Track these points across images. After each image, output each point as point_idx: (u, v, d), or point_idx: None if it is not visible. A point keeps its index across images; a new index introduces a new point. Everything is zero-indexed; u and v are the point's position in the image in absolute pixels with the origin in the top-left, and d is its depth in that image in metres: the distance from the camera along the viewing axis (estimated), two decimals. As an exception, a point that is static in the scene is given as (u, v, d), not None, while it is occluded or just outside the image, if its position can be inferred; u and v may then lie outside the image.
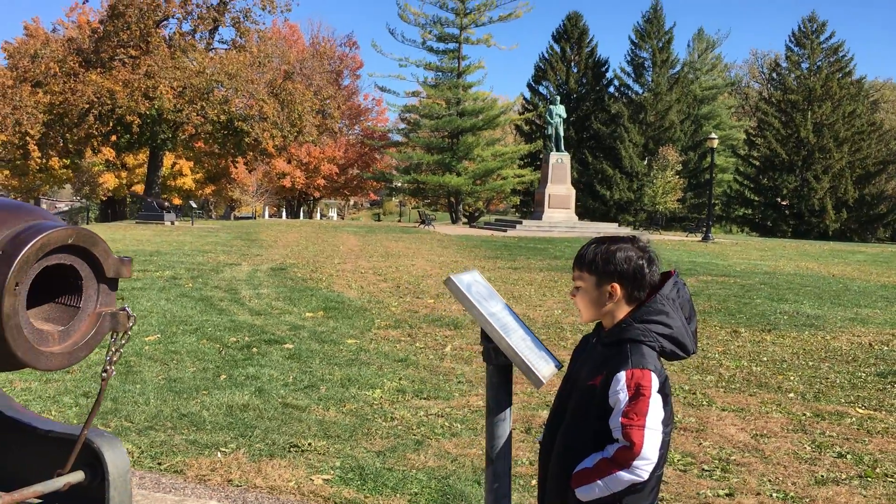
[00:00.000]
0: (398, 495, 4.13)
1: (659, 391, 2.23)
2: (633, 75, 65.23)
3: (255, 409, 5.65)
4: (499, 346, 2.29)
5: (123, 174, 53.94)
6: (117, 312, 3.03)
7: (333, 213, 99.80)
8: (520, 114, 67.01)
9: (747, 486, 4.42)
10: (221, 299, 10.96)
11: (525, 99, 69.77)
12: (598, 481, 2.23)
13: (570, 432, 2.34)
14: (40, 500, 3.34)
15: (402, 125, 65.12)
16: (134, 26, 36.68)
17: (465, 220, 60.29)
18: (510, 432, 2.43)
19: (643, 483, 2.22)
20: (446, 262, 19.08)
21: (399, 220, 73.13)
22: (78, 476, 3.23)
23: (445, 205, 64.51)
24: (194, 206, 36.02)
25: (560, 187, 38.93)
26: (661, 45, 63.54)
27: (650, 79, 63.93)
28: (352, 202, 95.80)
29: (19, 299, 2.68)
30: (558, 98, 43.38)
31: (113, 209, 59.66)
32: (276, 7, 41.48)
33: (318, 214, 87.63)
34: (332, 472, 4.44)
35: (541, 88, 67.24)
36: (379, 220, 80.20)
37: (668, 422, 2.29)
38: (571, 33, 65.37)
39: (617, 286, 2.34)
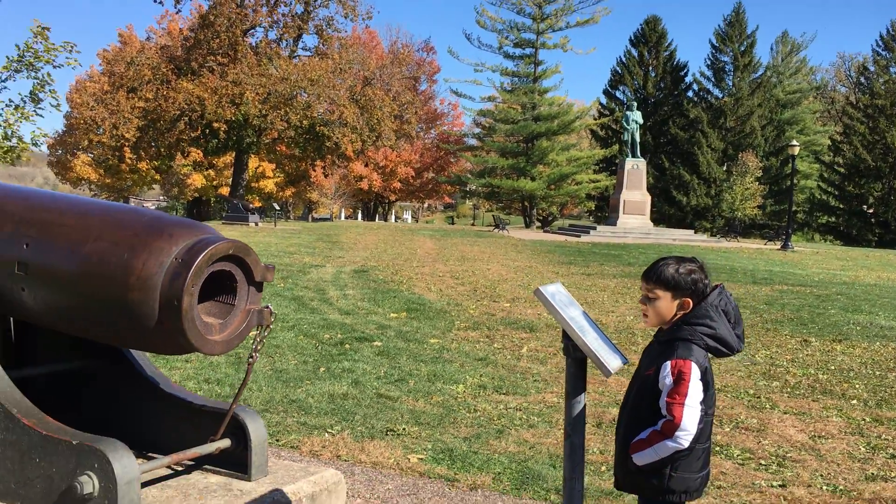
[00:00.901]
0: (483, 473, 4.73)
1: (700, 379, 2.79)
2: (713, 79, 64.43)
3: (353, 397, 6.35)
4: (576, 343, 2.88)
5: (211, 173, 56.06)
6: (262, 309, 3.72)
7: (408, 216, 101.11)
8: (595, 118, 66.91)
9: (800, 479, 4.87)
10: (312, 299, 11.77)
11: (601, 103, 69.60)
12: (649, 449, 2.80)
13: (632, 413, 2.92)
14: (192, 462, 4.06)
15: (478, 129, 65.87)
16: (223, 35, 38.34)
17: (538, 224, 60.56)
18: (584, 412, 3.01)
19: (686, 451, 2.77)
20: (521, 266, 19.61)
21: (473, 224, 73.89)
22: (226, 442, 3.94)
23: (519, 209, 64.89)
24: (277, 208, 37.39)
25: (635, 193, 38.95)
26: (742, 48, 62.59)
27: (731, 83, 63.03)
28: (426, 205, 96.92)
29: (194, 298, 3.38)
30: (635, 104, 43.32)
31: (199, 209, 62.02)
32: (357, 15, 42.72)
33: (393, 217, 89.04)
34: (425, 452, 5.07)
35: (617, 93, 67.04)
36: (452, 224, 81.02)
37: (709, 404, 2.85)
38: (650, 37, 64.94)
39: (689, 300, 2.91)
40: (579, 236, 35.82)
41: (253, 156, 49.66)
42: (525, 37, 60.25)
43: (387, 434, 5.43)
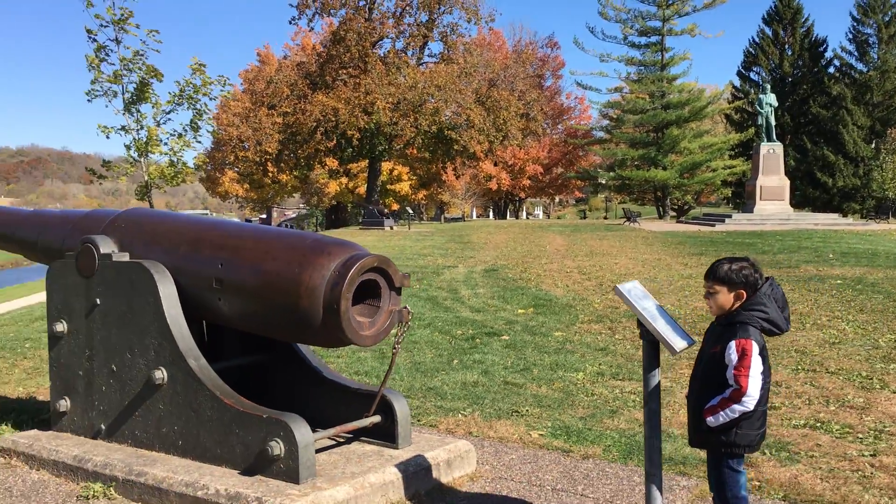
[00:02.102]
0: (595, 446, 5.44)
1: (759, 353, 3.45)
2: (855, 54, 61.18)
3: (482, 385, 7.18)
4: (647, 328, 3.59)
5: (344, 180, 58.66)
6: (401, 310, 4.60)
7: (539, 212, 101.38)
8: (729, 102, 64.98)
9: (892, 449, 5.28)
10: (445, 298, 12.71)
11: (734, 87, 67.48)
12: (721, 412, 3.48)
13: (702, 383, 3.60)
14: (351, 434, 5.01)
15: (605, 122, 65.47)
16: (353, 49, 40.27)
17: (673, 214, 59.54)
18: (659, 384, 3.72)
19: (750, 413, 3.45)
20: (649, 259, 19.88)
21: (605, 217, 73.31)
22: (377, 418, 4.86)
23: (652, 200, 64.05)
24: (410, 211, 38.97)
25: (772, 178, 37.88)
26: (887, 18, 59.09)
27: (876, 56, 59.66)
28: (557, 200, 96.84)
29: (349, 302, 4.30)
30: (768, 86, 42.00)
31: (336, 215, 64.98)
32: (480, 18, 43.70)
33: (524, 214, 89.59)
34: (545, 429, 5.83)
35: (751, 74, 64.82)
36: (584, 218, 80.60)
37: (766, 374, 3.50)
38: (784, 14, 62.40)
39: (743, 292, 3.57)
40: (713, 226, 35.26)
41: (386, 162, 51.79)
42: (650, 25, 59.44)
43: (512, 414, 6.22)
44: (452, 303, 12.33)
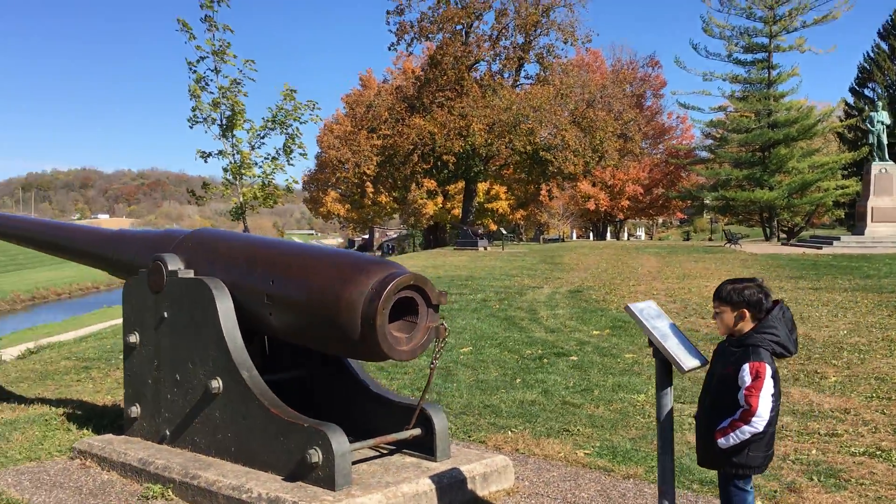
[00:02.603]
0: (638, 466, 5.45)
1: (772, 376, 3.48)
2: (978, 68, 57.85)
3: (539, 404, 7.27)
4: (657, 346, 3.65)
5: (439, 200, 59.36)
6: (438, 326, 4.79)
7: (641, 233, 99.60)
8: (842, 120, 62.38)
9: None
10: (522, 319, 12.81)
11: (847, 104, 64.81)
12: (731, 433, 3.51)
13: (713, 405, 3.63)
14: (393, 446, 5.21)
15: (708, 141, 63.94)
16: (449, 72, 40.95)
17: (783, 236, 57.43)
18: (671, 402, 3.79)
19: (760, 434, 3.46)
20: (741, 282, 19.37)
21: (710, 239, 71.50)
22: (417, 431, 5.04)
23: (759, 221, 62.00)
24: (504, 232, 39.14)
25: (884, 199, 36.21)
26: None
27: None
28: (660, 221, 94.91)
29: (385, 318, 4.52)
30: (880, 104, 40.25)
31: (435, 235, 65.74)
32: (577, 39, 43.67)
33: (626, 235, 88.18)
34: (592, 448, 5.87)
35: (866, 91, 62.21)
36: (688, 240, 78.70)
37: (777, 396, 3.52)
38: (900, 28, 59.71)
39: (746, 311, 3.59)
40: (820, 248, 33.93)
41: (482, 183, 52.24)
42: (756, 41, 57.78)
43: (561, 433, 6.29)
44: (529, 323, 12.41)
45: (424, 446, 5.09)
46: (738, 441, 3.50)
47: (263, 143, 16.15)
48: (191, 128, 15.66)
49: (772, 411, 3.48)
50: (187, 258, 5.56)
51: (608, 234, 74.98)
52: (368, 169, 42.50)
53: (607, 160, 43.93)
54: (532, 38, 43.71)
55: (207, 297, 5.14)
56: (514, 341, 10.65)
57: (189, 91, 15.38)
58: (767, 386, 3.46)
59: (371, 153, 41.91)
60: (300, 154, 16.35)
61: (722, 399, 3.59)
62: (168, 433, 5.46)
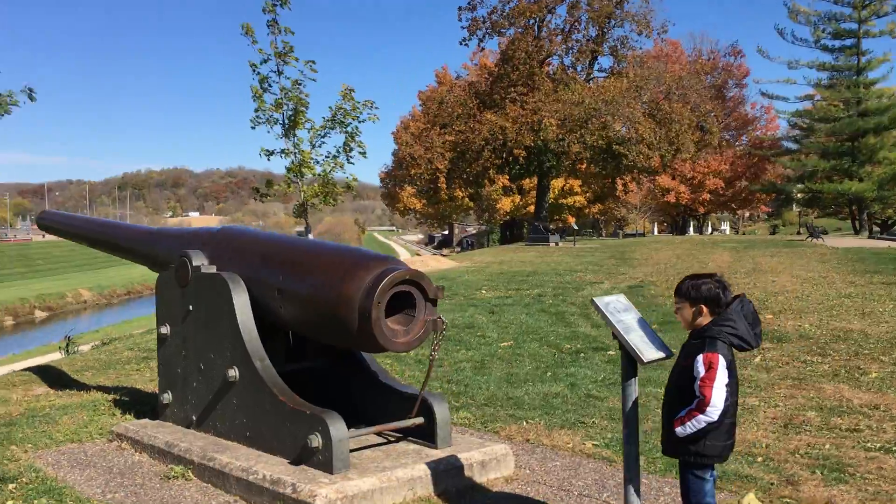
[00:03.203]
0: (643, 457, 5.53)
1: (727, 367, 3.57)
2: None
3: (563, 396, 7.38)
4: (619, 338, 3.78)
5: (517, 198, 59.29)
6: (436, 320, 4.99)
7: (726, 227, 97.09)
8: (938, 107, 59.40)
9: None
10: (572, 314, 12.86)
11: (945, 89, 61.64)
12: (688, 423, 3.62)
13: (674, 396, 3.73)
14: (400, 434, 5.44)
15: (794, 131, 61.96)
16: (521, 67, 40.90)
17: (876, 229, 55.17)
18: (636, 393, 3.92)
19: (716, 423, 3.56)
20: (811, 278, 18.83)
21: (798, 233, 69.24)
22: (419, 420, 5.26)
23: (849, 214, 59.75)
24: (576, 227, 38.85)
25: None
26: None
27: None
28: (747, 215, 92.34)
29: (381, 310, 4.75)
30: (975, 88, 38.22)
31: (511, 231, 65.73)
32: (652, 30, 42.95)
33: (710, 229, 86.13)
34: (601, 440, 5.97)
35: (965, 76, 58.98)
36: (774, 234, 76.33)
37: (733, 388, 3.61)
38: None
39: (703, 307, 3.69)
40: (908, 241, 32.58)
41: (555, 178, 51.98)
42: (844, 27, 55.72)
43: (575, 425, 6.40)
44: (577, 318, 12.46)
45: (427, 434, 5.31)
46: (695, 430, 3.59)
47: (324, 143, 16.57)
48: (253, 128, 16.21)
49: (726, 401, 3.56)
50: (211, 254, 5.93)
51: (690, 229, 73.43)
52: (441, 165, 42.88)
53: (683, 153, 43.06)
54: (606, 30, 43.22)
55: (225, 291, 5.48)
56: (557, 336, 10.74)
57: (252, 92, 15.93)
58: (721, 376, 3.54)
59: (443, 149, 42.25)
60: (360, 153, 16.72)
61: (682, 390, 3.69)
62: (194, 418, 5.84)
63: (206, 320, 5.71)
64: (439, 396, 5.42)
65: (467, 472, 5.07)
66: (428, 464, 4.94)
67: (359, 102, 16.64)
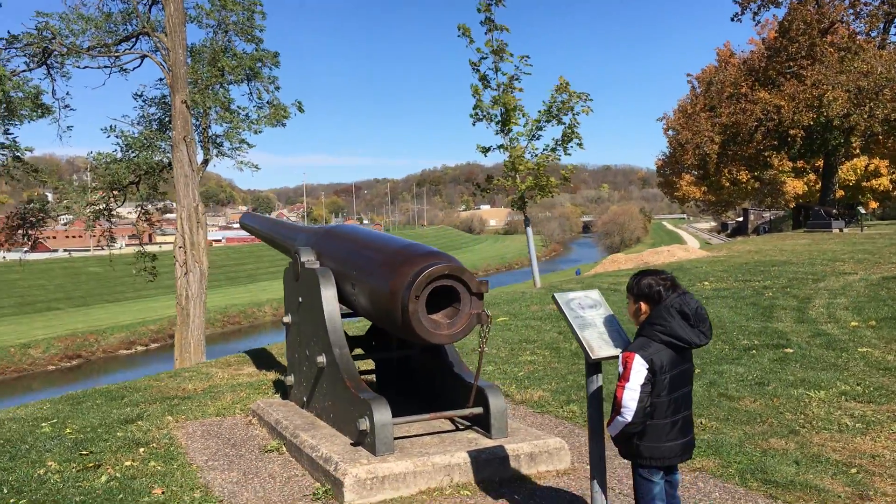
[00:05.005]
0: (718, 460, 5.18)
1: (648, 368, 3.42)
2: None
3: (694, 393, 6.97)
4: (573, 334, 3.70)
5: (812, 177, 54.21)
6: (481, 313, 5.12)
7: None
8: None
9: None
10: (784, 308, 11.82)
11: None
12: (611, 424, 3.55)
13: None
14: (469, 422, 5.63)
15: None
16: (801, 38, 37.54)
17: None
18: (600, 389, 3.83)
19: (633, 424, 3.43)
20: None
21: None
22: (477, 410, 5.43)
23: None
24: (863, 211, 34.69)
25: None
26: None
27: None
28: None
29: (418, 304, 4.99)
30: None
31: (806, 216, 60.45)
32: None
33: None
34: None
35: None
36: None
37: (661, 388, 3.48)
38: None
39: (642, 304, 3.53)
40: None
41: (863, 155, 46.87)
42: None
43: (677, 425, 6.07)
44: (787, 312, 11.45)
45: (484, 424, 5.44)
46: (617, 432, 3.52)
47: (540, 136, 16.83)
48: (473, 125, 16.92)
49: (639, 402, 3.41)
50: (318, 251, 6.52)
51: None
52: (710, 150, 40.75)
53: None
54: (904, -13, 38.17)
55: (317, 284, 6.04)
56: (741, 330, 10.01)
57: (471, 90, 16.63)
58: (635, 377, 3.42)
59: (712, 132, 40.13)
60: (577, 144, 16.69)
61: None
62: (305, 399, 6.48)
63: (309, 311, 6.31)
64: (495, 388, 5.51)
65: (513, 463, 5.12)
66: (470, 452, 5.08)
67: (575, 93, 16.66)
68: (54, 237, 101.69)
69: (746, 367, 8.01)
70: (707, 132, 40.08)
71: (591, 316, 3.76)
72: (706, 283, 15.51)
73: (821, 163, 43.39)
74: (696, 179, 59.20)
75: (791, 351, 8.69)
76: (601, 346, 3.70)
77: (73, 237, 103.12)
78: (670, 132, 55.95)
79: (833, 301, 12.43)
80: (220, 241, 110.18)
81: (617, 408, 3.47)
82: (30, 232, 23.44)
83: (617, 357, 3.75)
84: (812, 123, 36.14)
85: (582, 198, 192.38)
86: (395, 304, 5.11)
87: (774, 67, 39.45)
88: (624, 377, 3.46)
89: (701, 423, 6.14)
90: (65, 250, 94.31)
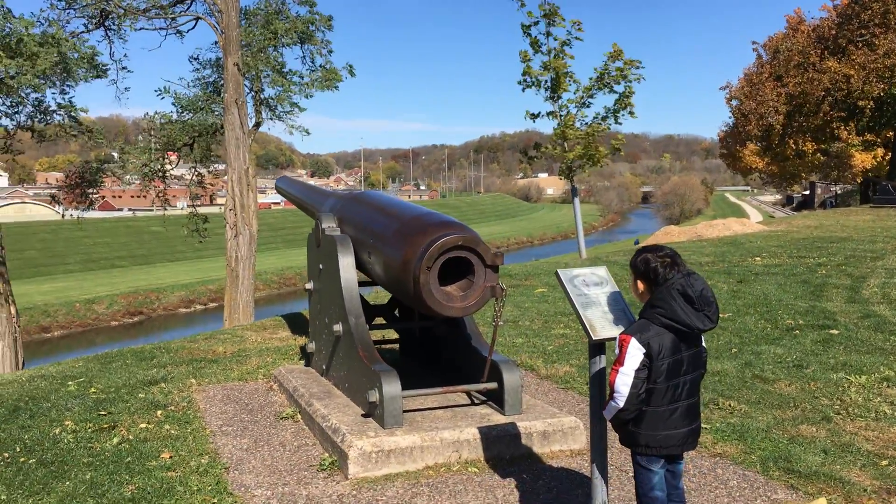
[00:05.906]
0: (743, 445, 4.96)
1: (645, 353, 3.23)
2: None
3: (723, 374, 6.73)
4: (575, 313, 3.51)
5: (880, 151, 52.13)
6: (495, 286, 4.96)
7: None
8: None
9: None
10: (837, 287, 11.34)
11: None
12: (606, 408, 3.38)
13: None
14: (484, 397, 5.50)
15: None
16: (874, 5, 35.86)
17: None
18: (603, 371, 3.63)
19: (626, 410, 3.26)
20: None
21: None
22: (492, 385, 5.29)
23: None
24: (929, 186, 33.18)
25: None
26: None
27: None
28: None
29: (431, 275, 4.85)
30: None
31: (874, 190, 58.30)
32: None
33: None
34: (710, 424, 5.40)
35: None
36: None
37: (658, 373, 3.26)
38: None
39: (640, 282, 3.36)
40: None
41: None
42: None
43: (707, 406, 5.84)
44: (839, 291, 10.97)
45: (498, 400, 5.30)
46: (611, 416, 3.37)
47: (591, 104, 16.39)
48: (522, 91, 16.57)
49: (632, 388, 3.23)
50: (339, 217, 6.42)
51: None
52: (775, 121, 39.40)
53: None
54: None
55: (335, 251, 5.94)
56: (788, 310, 9.62)
57: (520, 56, 16.25)
58: (630, 361, 3.23)
59: (777, 102, 38.76)
60: (629, 113, 16.22)
61: None
62: (324, 367, 6.43)
63: (328, 278, 6.23)
64: (510, 363, 5.34)
65: (525, 441, 4.97)
66: (480, 428, 4.95)
67: (630, 60, 16.16)
68: (120, 196, 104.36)
69: (787, 347, 7.69)
70: (772, 102, 38.75)
71: (595, 294, 3.57)
72: (758, 258, 15.01)
73: (890, 135, 41.66)
74: (760, 150, 57.48)
75: (836, 332, 8.32)
76: (604, 326, 3.51)
77: (137, 196, 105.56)
78: (734, 102, 54.29)
79: (889, 280, 11.89)
80: (278, 203, 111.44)
81: (610, 392, 3.30)
82: (87, 191, 23.92)
83: (613, 339, 3.57)
84: (882, 94, 34.67)
85: (642, 167, 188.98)
86: (408, 274, 4.98)
87: (845, 35, 37.79)
88: (619, 361, 3.28)
89: (730, 405, 5.91)
90: (129, 209, 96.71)
